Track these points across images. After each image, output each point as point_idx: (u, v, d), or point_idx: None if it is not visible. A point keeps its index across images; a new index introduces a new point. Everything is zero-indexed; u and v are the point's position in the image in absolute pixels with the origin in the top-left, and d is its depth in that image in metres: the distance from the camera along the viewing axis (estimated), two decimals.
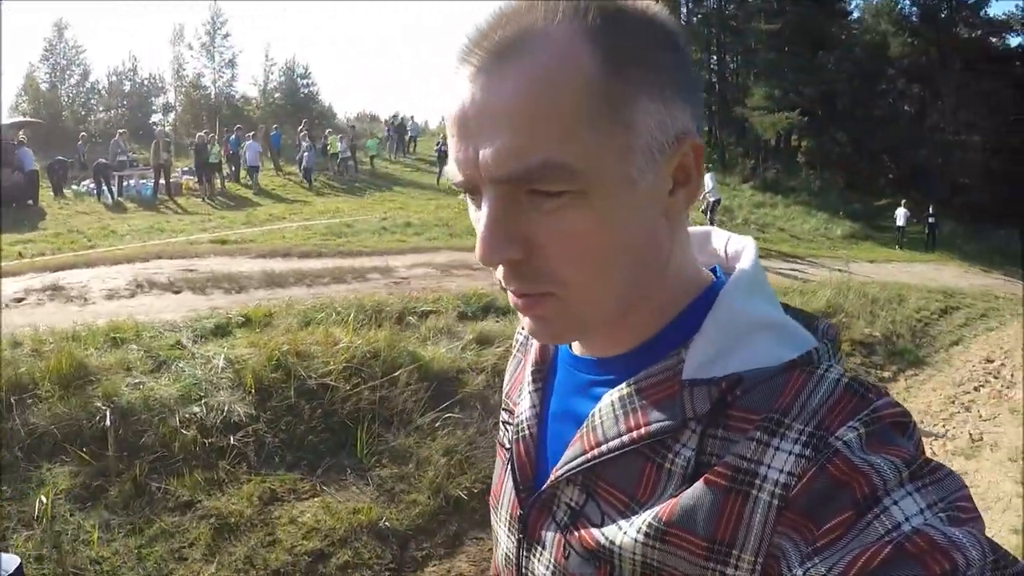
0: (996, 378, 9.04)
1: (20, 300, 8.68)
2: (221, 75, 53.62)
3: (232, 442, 5.34)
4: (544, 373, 1.00)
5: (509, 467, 0.98)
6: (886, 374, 9.19)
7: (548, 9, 0.73)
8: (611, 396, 0.83)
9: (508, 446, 1.01)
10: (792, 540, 0.66)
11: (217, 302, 8.65)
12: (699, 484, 0.73)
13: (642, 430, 0.78)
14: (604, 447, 0.81)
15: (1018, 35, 44.90)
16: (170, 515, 4.84)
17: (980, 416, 7.50)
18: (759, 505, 0.69)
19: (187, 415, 5.50)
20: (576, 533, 0.84)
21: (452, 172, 0.78)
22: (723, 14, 40.30)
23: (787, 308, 0.86)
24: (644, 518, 0.76)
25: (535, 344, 1.03)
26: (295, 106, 50.76)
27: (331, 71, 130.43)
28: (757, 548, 0.69)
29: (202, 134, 24.73)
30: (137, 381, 5.74)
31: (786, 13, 38.34)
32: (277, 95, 53.07)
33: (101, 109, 51.41)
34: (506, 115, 0.71)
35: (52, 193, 21.82)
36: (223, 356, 6.14)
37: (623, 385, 0.83)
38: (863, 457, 0.66)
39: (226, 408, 5.63)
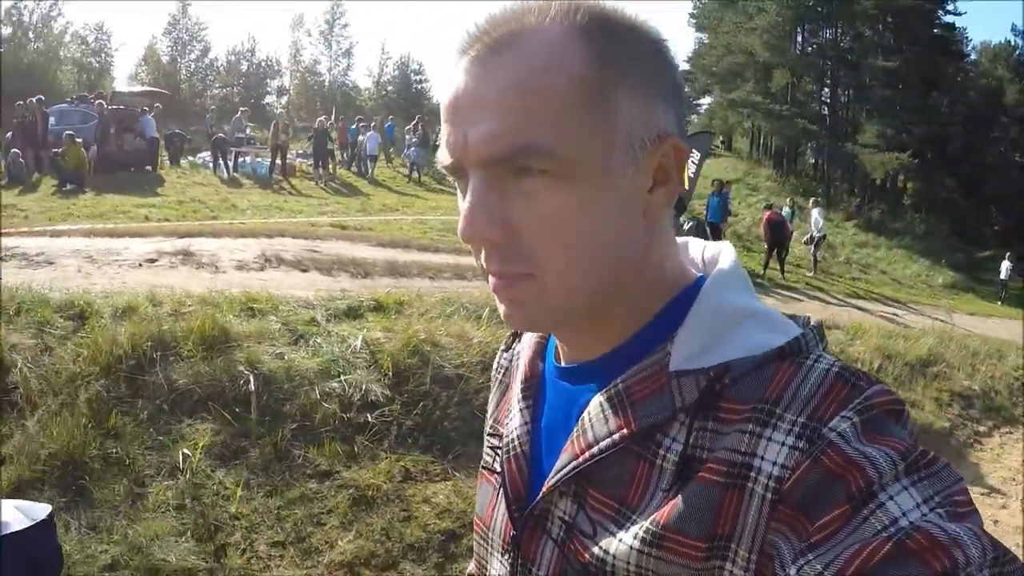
0: None
1: (153, 261, 9.11)
2: (337, 63, 55.10)
3: (370, 419, 5.54)
4: (533, 389, 1.01)
5: (501, 490, 0.97)
6: (981, 428, 9.12)
7: (542, 9, 0.77)
8: (599, 398, 0.84)
9: (500, 469, 1.00)
10: (785, 536, 0.67)
11: (344, 284, 8.91)
12: (694, 484, 0.73)
13: (632, 426, 0.79)
14: (595, 448, 0.81)
15: None
16: (309, 481, 5.07)
17: None
18: (754, 499, 0.70)
19: (327, 389, 5.70)
20: (572, 547, 0.84)
21: (442, 155, 0.81)
22: (838, 46, 39.99)
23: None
24: (640, 524, 0.76)
25: (521, 365, 1.04)
26: (407, 100, 51.76)
27: (442, 68, 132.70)
28: (751, 544, 0.69)
29: (322, 119, 25.29)
30: (278, 351, 5.97)
31: (903, 51, 37.96)
32: (390, 88, 54.04)
33: (218, 86, 52.97)
34: (495, 101, 0.74)
35: (169, 162, 22.84)
36: (360, 337, 6.34)
37: (610, 385, 0.84)
38: (858, 448, 0.66)
39: (364, 387, 5.80)
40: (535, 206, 0.76)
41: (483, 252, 0.80)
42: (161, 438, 5.02)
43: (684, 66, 44.80)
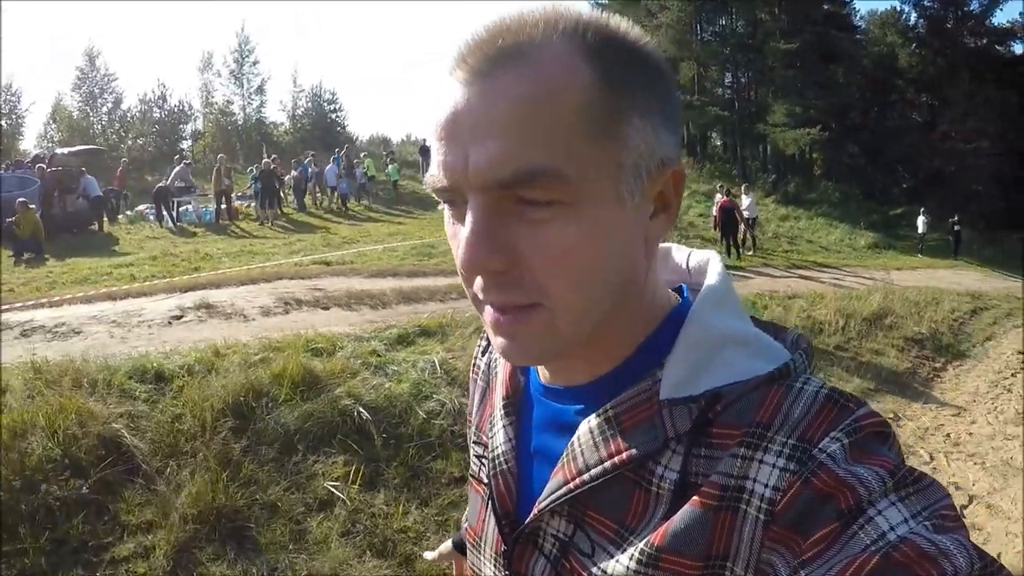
0: None
1: (178, 317, 9.15)
2: (250, 101, 53.60)
3: None
4: (516, 406, 0.98)
5: (489, 503, 0.96)
6: (937, 364, 10.47)
7: (547, 23, 0.73)
8: (588, 424, 0.82)
9: (487, 481, 0.98)
10: (780, 554, 0.66)
11: (368, 316, 9.30)
12: (688, 506, 0.72)
13: (623, 455, 0.77)
14: (587, 475, 0.80)
15: (1021, 41, 46.21)
16: (450, 488, 5.39)
17: (1021, 395, 8.88)
18: (747, 520, 0.69)
19: (427, 408, 6.06)
20: (568, 564, 0.83)
21: (434, 178, 0.76)
22: (737, 33, 41.07)
23: (755, 321, 0.87)
24: (637, 545, 0.75)
25: (500, 374, 1.01)
26: (323, 131, 51.08)
27: (346, 93, 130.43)
28: (747, 563, 0.69)
29: (267, 160, 25.19)
30: (368, 382, 6.27)
31: (803, 32, 39.06)
32: (305, 121, 53.26)
33: (131, 136, 51.05)
34: (501, 120, 0.70)
35: (107, 220, 22.19)
36: (434, 359, 6.79)
37: (600, 411, 0.82)
38: (847, 468, 0.66)
39: (456, 401, 6.17)
40: (542, 234, 0.72)
41: (479, 282, 0.76)
42: (297, 477, 5.20)
43: None
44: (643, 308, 0.85)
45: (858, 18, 47.25)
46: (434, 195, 0.79)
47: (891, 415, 8.01)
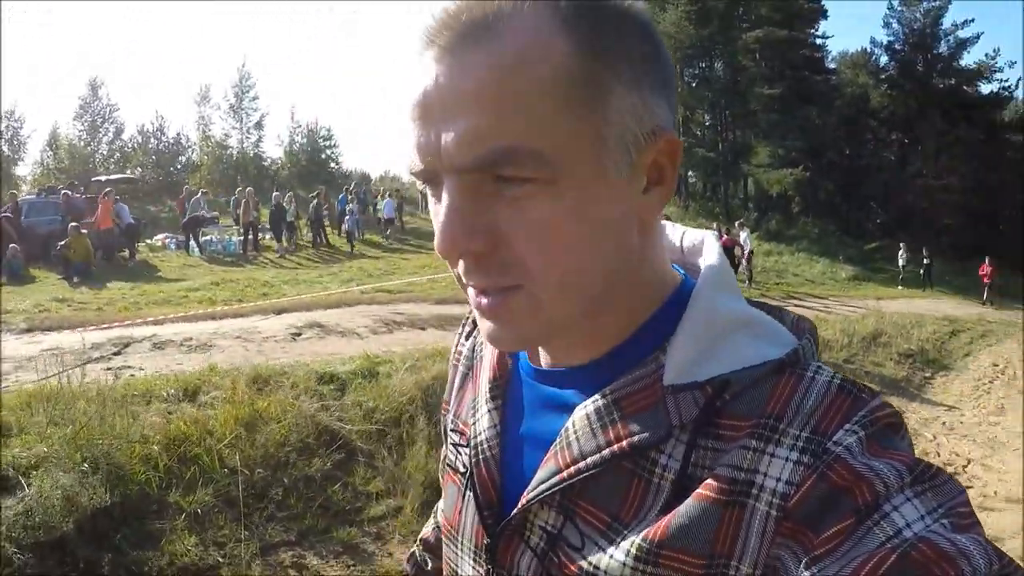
0: (1003, 375, 12.51)
1: (297, 335, 10.19)
2: (248, 136, 54.06)
3: None
4: (502, 389, 0.94)
5: (470, 493, 0.91)
6: (927, 374, 12.37)
7: None
8: (585, 409, 0.78)
9: (464, 470, 0.94)
10: (791, 550, 0.64)
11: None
12: (692, 500, 0.69)
13: (624, 443, 0.74)
14: (582, 464, 0.76)
15: (988, 82, 47.40)
16: None
17: (999, 396, 10.84)
18: (756, 516, 0.66)
19: None
20: (556, 559, 0.79)
21: (411, 162, 0.73)
22: (721, 78, 42.62)
23: (751, 302, 0.84)
24: (632, 540, 0.72)
25: (487, 358, 0.97)
26: (317, 167, 51.65)
27: (345, 129, 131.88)
28: (755, 560, 0.66)
29: (277, 194, 25.64)
30: None
31: (783, 77, 40.87)
32: (301, 156, 53.47)
33: (131, 167, 50.31)
34: (472, 98, 0.66)
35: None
36: None
37: (597, 396, 0.78)
38: (865, 462, 0.64)
39: None
40: (523, 213, 0.69)
41: (461, 264, 0.74)
42: None
43: None
44: (643, 286, 0.81)
45: (830, 59, 49.00)
46: (415, 179, 0.76)
47: (899, 410, 9.64)
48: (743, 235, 23.39)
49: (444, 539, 1.01)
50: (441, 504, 1.15)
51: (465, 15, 0.68)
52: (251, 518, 5.17)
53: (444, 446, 1.07)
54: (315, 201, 27.16)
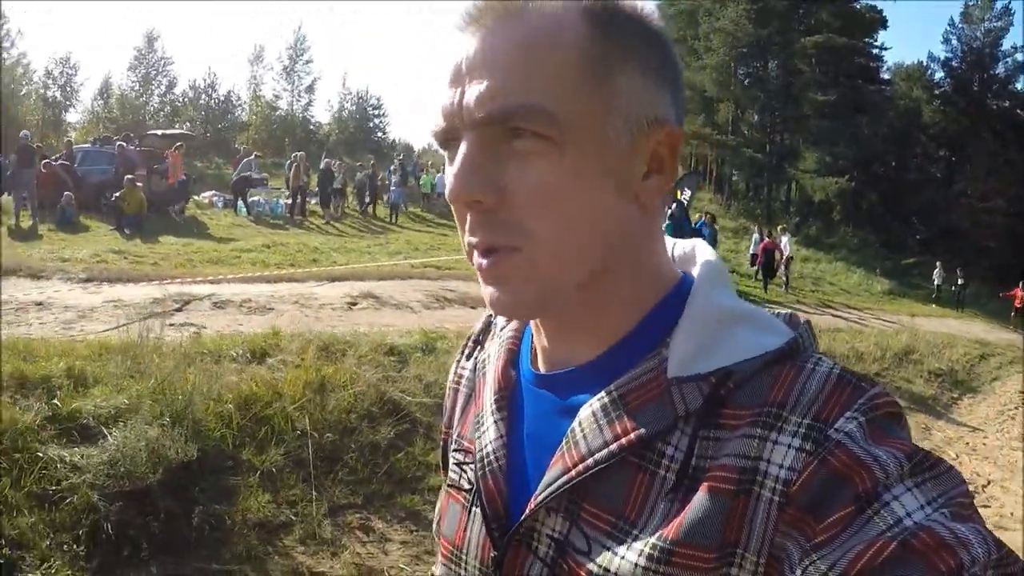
0: None
1: (354, 304, 10.53)
2: (299, 98, 54.62)
3: None
4: (507, 400, 0.93)
5: (477, 508, 0.90)
6: (955, 395, 12.58)
7: None
8: (590, 407, 0.79)
9: (469, 486, 0.93)
10: (793, 538, 0.65)
11: None
12: (703, 494, 0.70)
13: (631, 435, 0.75)
14: (591, 460, 0.76)
15: None
16: None
17: (1022, 421, 11.06)
18: (761, 503, 0.68)
19: None
20: (565, 566, 0.78)
21: (434, 123, 0.79)
22: (774, 80, 42.32)
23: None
24: (646, 540, 0.72)
25: (491, 373, 0.97)
26: (365, 134, 52.57)
27: (392, 99, 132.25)
28: (759, 548, 0.67)
29: (327, 160, 26.18)
30: None
31: (836, 84, 40.68)
32: (350, 123, 54.20)
33: (177, 121, 51.01)
34: (497, 62, 0.73)
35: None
36: None
37: (602, 394, 0.79)
38: (866, 448, 0.65)
39: None
40: (529, 172, 0.73)
41: (468, 222, 0.77)
42: None
43: None
44: (645, 276, 0.83)
45: (884, 69, 48.85)
46: (435, 143, 0.81)
47: (923, 427, 10.01)
48: (784, 239, 23.50)
49: (443, 562, 0.98)
50: (441, 528, 1.07)
51: (501, 2, 0.75)
52: (320, 480, 5.39)
53: (447, 469, 1.05)
54: (367, 171, 27.25)
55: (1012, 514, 6.98)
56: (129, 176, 18.59)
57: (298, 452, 5.49)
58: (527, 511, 0.81)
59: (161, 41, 55.14)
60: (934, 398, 11.96)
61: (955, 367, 14.10)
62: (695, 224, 19.29)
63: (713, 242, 20.02)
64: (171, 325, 8.01)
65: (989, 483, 7.90)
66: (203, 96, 55.19)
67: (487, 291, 0.79)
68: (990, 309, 30.41)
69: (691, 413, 0.74)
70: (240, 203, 23.46)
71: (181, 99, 54.44)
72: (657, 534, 0.71)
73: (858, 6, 43.14)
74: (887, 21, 44.63)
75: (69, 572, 4.00)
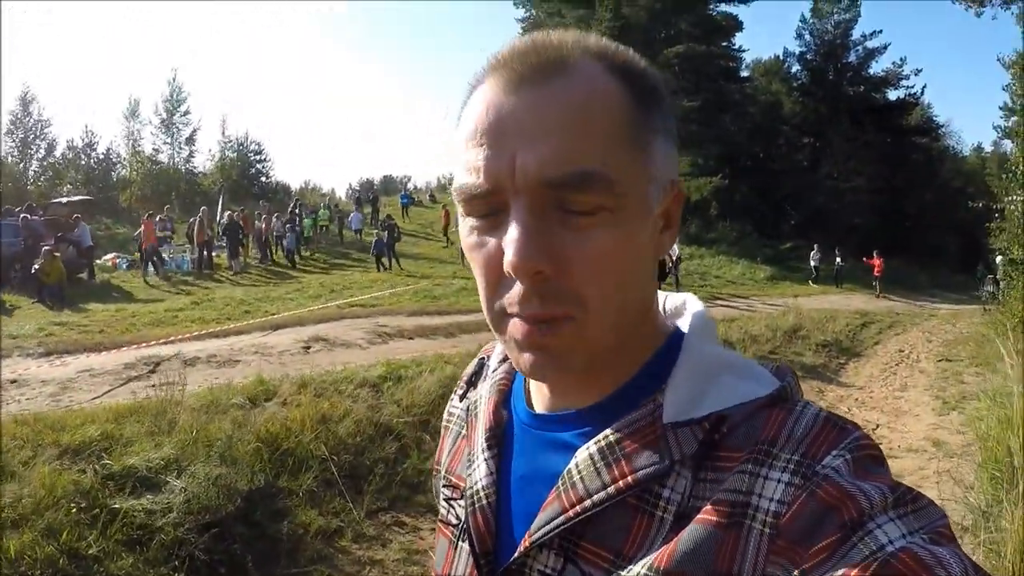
0: (908, 359, 14.40)
1: (308, 348, 11.32)
2: (180, 151, 53.36)
3: None
4: (498, 439, 0.95)
5: (466, 544, 0.91)
6: (841, 361, 14.17)
7: (576, 42, 0.77)
8: (588, 450, 0.80)
9: (456, 521, 0.96)
10: (783, 566, 0.66)
11: (447, 343, 11.78)
12: (695, 525, 0.71)
13: (629, 478, 0.76)
14: (588, 502, 0.77)
15: (895, 89, 50.04)
16: None
17: (903, 375, 12.72)
18: (752, 535, 0.69)
19: None
20: None
21: (470, 184, 0.75)
22: None
23: None
24: (636, 570, 0.73)
25: (482, 413, 0.98)
26: (249, 180, 51.60)
27: (274, 142, 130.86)
28: None
29: (231, 212, 26.28)
30: None
31: (703, 90, 42.14)
32: (232, 171, 53.01)
33: (64, 184, 49.66)
34: (552, 124, 0.71)
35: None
36: None
37: (599, 437, 0.80)
38: (852, 482, 0.67)
39: None
40: (587, 240, 0.73)
41: (515, 292, 0.75)
42: None
43: None
44: (647, 330, 0.86)
45: (743, 66, 50.45)
46: (462, 205, 0.78)
47: (817, 391, 11.48)
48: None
49: None
50: (435, 562, 1.12)
51: (539, 53, 0.75)
52: (350, 493, 6.20)
53: (439, 504, 1.07)
54: (264, 219, 27.52)
55: (899, 446, 8.43)
56: (46, 247, 18.53)
57: (324, 474, 6.33)
58: (521, 548, 0.81)
59: (37, 103, 52.99)
60: (824, 365, 13.48)
61: (839, 337, 15.75)
62: None
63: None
64: (152, 386, 8.24)
65: (878, 426, 9.33)
66: (81, 156, 53.60)
67: (527, 357, 0.77)
68: (866, 282, 32.10)
69: (687, 457, 0.75)
70: (149, 265, 23.30)
71: (61, 161, 52.78)
72: (648, 564, 0.72)
73: (714, 14, 44.75)
74: (743, 24, 46.21)
75: None
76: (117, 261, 25.25)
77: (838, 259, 32.16)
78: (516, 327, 0.76)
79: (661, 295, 0.95)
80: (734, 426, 0.75)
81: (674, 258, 24.25)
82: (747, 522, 0.69)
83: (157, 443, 5.95)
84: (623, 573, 0.74)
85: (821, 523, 0.65)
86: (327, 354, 11.18)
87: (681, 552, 0.71)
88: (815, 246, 33.69)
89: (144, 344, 11.42)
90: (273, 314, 15.43)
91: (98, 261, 23.90)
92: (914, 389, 11.57)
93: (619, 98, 0.75)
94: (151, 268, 23.23)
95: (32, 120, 52.22)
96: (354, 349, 11.47)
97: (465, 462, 0.98)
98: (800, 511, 0.67)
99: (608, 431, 0.80)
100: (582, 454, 0.80)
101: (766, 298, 24.46)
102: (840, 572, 0.61)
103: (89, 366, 9.89)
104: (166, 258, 24.53)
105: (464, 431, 1.03)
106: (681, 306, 0.94)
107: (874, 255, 28.72)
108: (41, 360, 10.61)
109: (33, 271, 18.16)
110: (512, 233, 0.72)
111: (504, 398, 0.98)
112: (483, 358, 1.11)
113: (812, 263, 32.83)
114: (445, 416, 1.13)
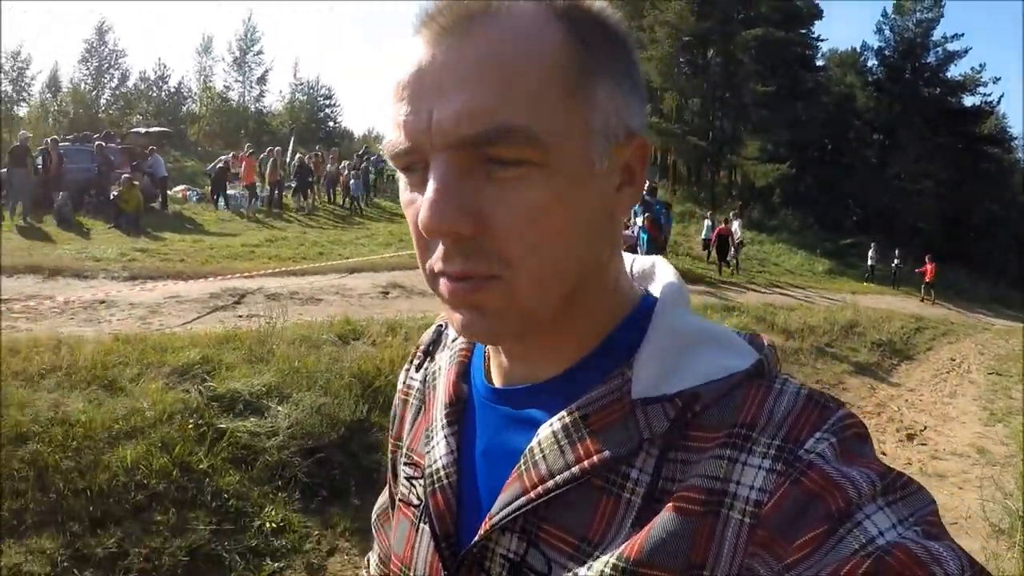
0: (959, 368, 14.40)
1: (386, 293, 11.63)
2: (251, 89, 54.19)
3: None
4: (459, 414, 0.90)
5: (425, 525, 0.88)
6: (894, 362, 14.23)
7: None
8: (550, 427, 0.76)
9: (418, 502, 0.91)
10: (763, 559, 0.63)
11: None
12: (667, 513, 0.68)
13: (594, 458, 0.72)
14: (551, 483, 0.74)
15: (972, 95, 48.86)
16: None
17: (953, 383, 12.82)
18: (730, 525, 0.65)
19: None
20: None
21: (392, 142, 0.72)
22: (718, 71, 42.80)
23: None
24: (606, 559, 0.69)
25: (441, 385, 0.95)
26: (316, 124, 52.33)
27: (341, 88, 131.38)
28: (728, 570, 0.65)
29: (302, 155, 26.69)
30: None
31: (778, 75, 41.89)
32: (302, 114, 53.70)
33: (134, 115, 50.20)
34: (472, 76, 0.67)
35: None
36: None
37: (563, 413, 0.76)
38: (838, 468, 0.64)
39: None
40: (510, 197, 0.68)
41: (439, 250, 0.72)
42: None
43: None
44: (609, 295, 0.82)
45: (819, 56, 49.84)
46: (391, 162, 0.75)
47: (870, 387, 11.71)
48: (735, 225, 25.06)
49: None
50: (377, 551, 1.15)
51: (464, 2, 0.69)
52: None
53: (390, 485, 1.09)
54: (347, 161, 27.85)
55: (943, 449, 8.71)
56: (125, 175, 18.87)
57: None
58: (481, 531, 0.78)
59: (112, 33, 53.87)
60: (877, 364, 13.59)
61: (894, 339, 15.81)
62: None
63: (670, 227, 21.24)
64: (239, 317, 8.89)
65: (925, 428, 9.56)
66: (153, 89, 54.48)
67: (457, 317, 0.75)
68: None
69: (656, 435, 0.71)
70: (220, 198, 23.85)
71: (133, 92, 53.55)
72: (617, 554, 0.69)
73: (797, 2, 44.15)
74: (823, 13, 45.67)
75: (283, 512, 4.89)
76: (187, 193, 25.51)
77: (896, 260, 31.90)
78: (444, 286, 0.73)
79: (628, 258, 0.92)
80: (708, 404, 0.71)
81: (736, 241, 24.59)
82: (724, 511, 0.66)
83: (257, 370, 6.26)
84: (590, 560, 0.72)
85: (805, 513, 0.63)
86: (406, 300, 11.49)
87: (653, 542, 0.68)
88: (872, 244, 33.29)
89: (227, 276, 11.68)
90: (347, 258, 15.58)
91: (168, 192, 24.02)
92: (963, 397, 11.71)
93: (552, 42, 0.69)
94: (221, 202, 23.78)
95: (107, 49, 52.81)
96: (429, 298, 11.33)
97: (424, 439, 0.94)
98: (783, 500, 0.64)
99: (572, 407, 0.76)
100: (544, 431, 0.77)
101: (824, 291, 24.32)
102: (829, 567, 0.59)
103: (175, 293, 10.22)
104: (237, 194, 24.74)
105: (423, 406, 1.00)
106: (650, 269, 0.92)
107: (927, 260, 28.53)
108: (125, 284, 10.96)
109: (112, 197, 18.53)
110: (428, 192, 0.69)
111: (464, 371, 0.94)
112: (441, 325, 1.07)
113: (869, 262, 32.53)
114: (400, 387, 1.09)
